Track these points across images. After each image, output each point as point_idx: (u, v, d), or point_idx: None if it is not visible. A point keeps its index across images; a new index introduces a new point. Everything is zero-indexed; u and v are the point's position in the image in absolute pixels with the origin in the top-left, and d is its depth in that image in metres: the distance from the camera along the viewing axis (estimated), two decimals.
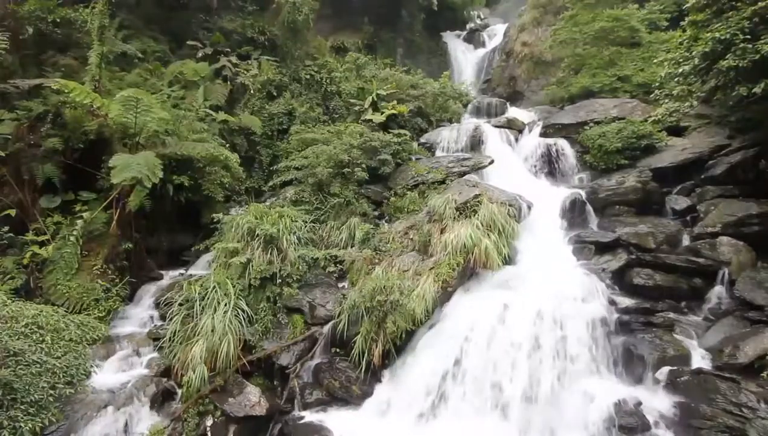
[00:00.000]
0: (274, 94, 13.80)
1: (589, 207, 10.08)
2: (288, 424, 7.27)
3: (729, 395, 6.09)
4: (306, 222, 9.95)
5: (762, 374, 6.23)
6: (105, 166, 9.02)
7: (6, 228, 8.35)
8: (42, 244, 8.54)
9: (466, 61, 23.16)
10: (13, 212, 8.63)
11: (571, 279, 8.15)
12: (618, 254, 8.75)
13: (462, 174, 11.02)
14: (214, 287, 8.00)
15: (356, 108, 14.17)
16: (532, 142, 12.86)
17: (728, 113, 10.16)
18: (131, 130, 9.28)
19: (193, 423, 6.93)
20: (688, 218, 9.44)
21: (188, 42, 14.08)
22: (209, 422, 7.00)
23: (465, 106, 15.90)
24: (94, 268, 8.71)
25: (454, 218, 9.11)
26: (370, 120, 13.13)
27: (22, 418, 5.30)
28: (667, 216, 9.72)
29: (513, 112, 15.06)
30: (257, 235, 8.82)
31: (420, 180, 10.98)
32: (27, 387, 5.50)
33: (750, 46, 7.46)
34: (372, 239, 9.62)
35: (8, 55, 9.33)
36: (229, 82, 13.50)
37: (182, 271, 10.19)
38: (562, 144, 12.38)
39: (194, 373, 7.04)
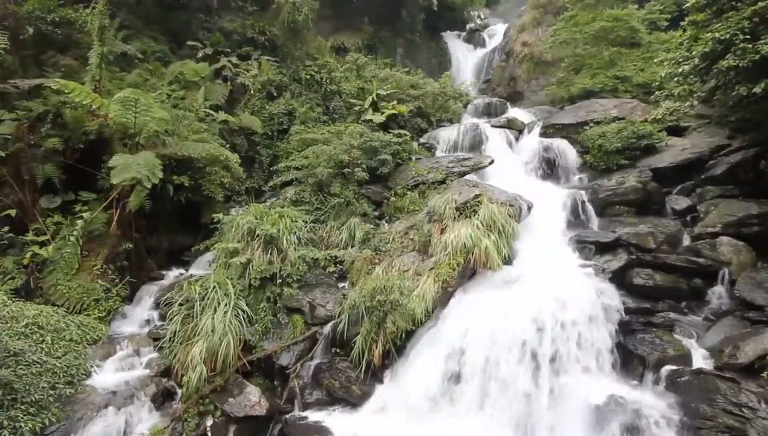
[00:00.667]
0: (274, 94, 13.81)
1: (589, 207, 10.08)
2: (288, 424, 7.27)
3: (729, 395, 6.08)
4: (306, 222, 9.95)
5: (762, 375, 6.22)
6: (105, 166, 9.04)
7: (6, 228, 8.37)
8: (42, 244, 8.54)
9: (466, 61, 23.19)
10: (13, 212, 8.63)
11: (571, 279, 8.13)
12: (618, 254, 8.75)
13: (462, 174, 11.02)
14: (214, 287, 8.00)
15: (356, 108, 14.18)
16: (532, 142, 12.85)
17: (728, 113, 10.16)
18: (131, 131, 9.28)
19: (193, 423, 6.93)
20: (688, 218, 9.45)
21: (188, 42, 14.09)
22: (209, 422, 7.00)
23: (465, 106, 15.91)
24: (95, 268, 8.72)
25: (454, 218, 9.10)
26: (370, 120, 13.14)
27: (22, 418, 5.32)
28: (667, 216, 9.73)
29: (513, 112, 15.08)
30: (257, 235, 8.82)
31: (420, 180, 10.98)
32: (27, 387, 5.51)
33: (750, 46, 7.46)
34: (372, 239, 9.62)
35: (8, 55, 9.34)
36: (229, 83, 13.50)
37: (182, 271, 10.20)
38: (562, 144, 12.38)
39: (194, 373, 7.04)
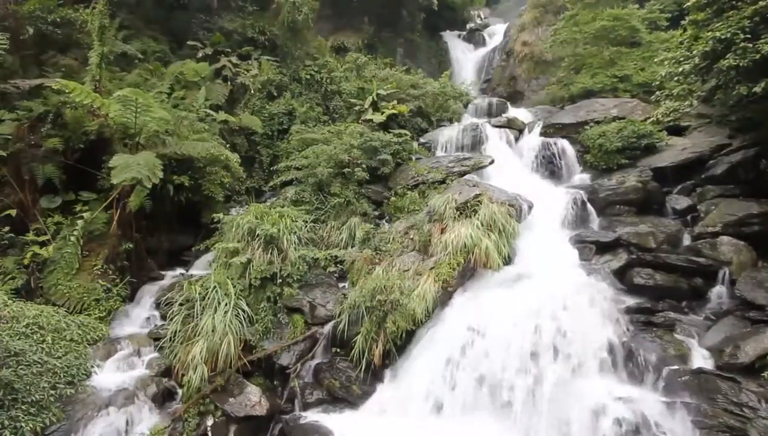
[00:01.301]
0: (275, 94, 13.80)
1: (589, 207, 10.07)
2: (288, 424, 7.26)
3: (730, 394, 6.07)
4: (306, 222, 9.95)
5: (763, 374, 6.20)
6: (105, 166, 9.04)
7: (6, 228, 8.37)
8: (43, 244, 8.55)
9: (466, 60, 23.17)
10: (13, 212, 8.64)
11: (571, 279, 8.14)
12: (618, 253, 8.75)
13: (462, 174, 11.02)
14: (215, 287, 8.00)
15: (356, 108, 14.18)
16: (533, 141, 12.84)
17: (729, 113, 10.14)
18: (131, 130, 9.29)
19: (194, 423, 6.94)
20: (688, 217, 9.43)
21: (188, 42, 14.08)
22: (210, 421, 7.01)
23: (465, 105, 15.86)
24: (95, 268, 8.73)
25: (455, 217, 9.11)
26: (371, 120, 13.13)
27: (23, 418, 5.30)
28: (667, 216, 9.72)
29: (513, 111, 15.03)
30: (258, 235, 8.82)
31: (420, 180, 10.98)
32: (28, 387, 5.50)
33: (750, 45, 7.44)
34: (372, 239, 9.63)
35: (8, 55, 9.34)
36: (229, 82, 13.50)
37: (183, 271, 10.20)
38: (563, 144, 12.36)
39: (195, 373, 7.05)
